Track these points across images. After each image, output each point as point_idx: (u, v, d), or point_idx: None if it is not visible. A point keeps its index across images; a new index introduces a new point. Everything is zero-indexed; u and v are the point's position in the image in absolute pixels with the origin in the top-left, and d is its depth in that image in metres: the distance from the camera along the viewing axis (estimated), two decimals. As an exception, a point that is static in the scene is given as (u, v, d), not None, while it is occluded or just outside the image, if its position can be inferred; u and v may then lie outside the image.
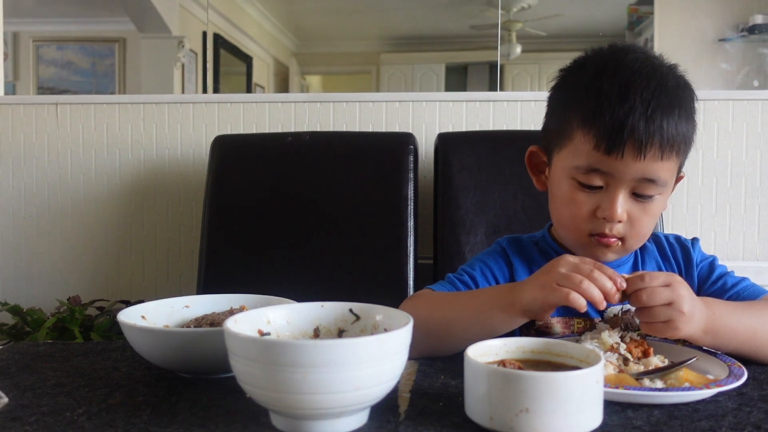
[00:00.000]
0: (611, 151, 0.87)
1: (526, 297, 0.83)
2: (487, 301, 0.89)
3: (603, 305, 0.79)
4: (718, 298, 0.94)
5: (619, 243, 0.93)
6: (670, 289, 0.79)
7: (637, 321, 0.84)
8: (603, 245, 0.93)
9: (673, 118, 0.88)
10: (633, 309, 0.96)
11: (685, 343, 0.95)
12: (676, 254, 1.04)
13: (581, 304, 0.78)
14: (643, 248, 1.04)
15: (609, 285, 0.79)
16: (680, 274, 1.02)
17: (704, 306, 0.83)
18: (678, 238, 1.07)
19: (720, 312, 0.85)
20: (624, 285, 0.80)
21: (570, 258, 0.82)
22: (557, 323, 0.97)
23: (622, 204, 0.90)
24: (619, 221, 0.90)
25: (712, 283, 1.01)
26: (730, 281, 1.00)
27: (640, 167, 0.87)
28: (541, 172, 1.03)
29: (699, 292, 1.00)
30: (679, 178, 0.99)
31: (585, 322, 0.97)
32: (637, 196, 0.91)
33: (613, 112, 0.87)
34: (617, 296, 0.79)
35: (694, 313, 0.80)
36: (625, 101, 0.87)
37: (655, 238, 1.06)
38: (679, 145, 0.89)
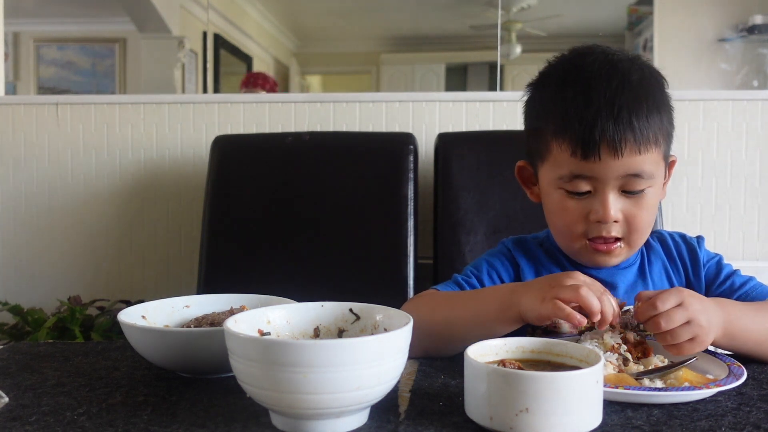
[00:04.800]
0: (587, 155, 0.88)
1: (524, 305, 0.83)
2: (486, 302, 0.89)
3: (602, 324, 0.79)
4: (727, 299, 0.94)
5: (621, 245, 0.93)
6: (684, 307, 0.78)
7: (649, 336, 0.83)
8: (603, 252, 0.93)
9: (642, 112, 0.88)
10: (632, 309, 0.97)
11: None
12: (682, 253, 1.04)
13: (579, 321, 0.78)
14: (648, 248, 1.03)
15: (610, 309, 0.79)
16: (686, 273, 1.02)
17: (719, 308, 0.83)
18: (683, 237, 1.06)
19: (735, 314, 0.85)
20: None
21: (581, 276, 0.82)
22: (565, 322, 0.97)
23: (614, 203, 0.90)
24: (615, 221, 0.90)
25: (720, 283, 1.01)
26: (738, 281, 1.00)
27: (621, 165, 0.88)
28: (534, 184, 1.03)
29: (707, 292, 1.00)
30: (671, 163, 0.99)
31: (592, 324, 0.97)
32: (627, 193, 0.91)
33: (581, 118, 0.88)
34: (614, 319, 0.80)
35: (712, 322, 0.80)
36: (590, 105, 0.88)
37: (660, 236, 1.06)
38: (655, 136, 0.89)
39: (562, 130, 0.90)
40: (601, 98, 0.88)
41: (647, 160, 0.89)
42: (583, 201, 0.91)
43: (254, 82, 4.24)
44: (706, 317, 0.79)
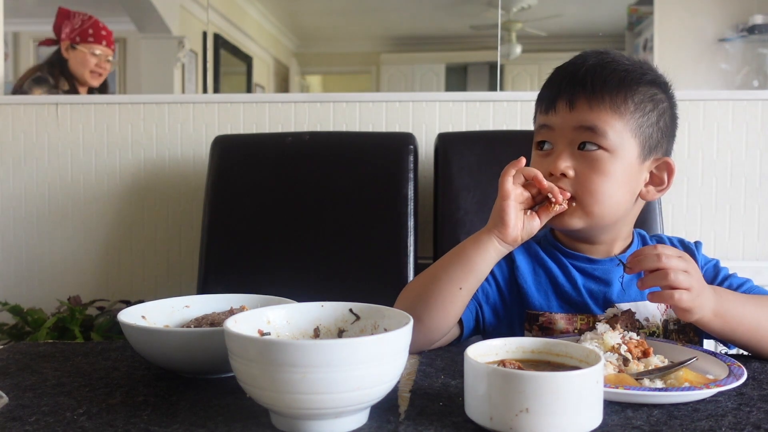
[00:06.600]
0: (548, 108, 0.97)
1: (492, 216, 0.93)
2: (463, 243, 0.96)
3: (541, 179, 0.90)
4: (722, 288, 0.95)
5: (574, 204, 0.94)
6: (658, 255, 0.84)
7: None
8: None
9: (604, 74, 0.94)
10: (631, 309, 0.97)
11: (685, 342, 0.95)
12: None
13: (530, 171, 0.90)
14: None
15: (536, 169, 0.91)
16: None
17: (712, 290, 0.86)
18: (681, 241, 1.08)
19: (727, 298, 0.88)
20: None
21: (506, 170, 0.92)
22: (560, 319, 0.98)
23: (566, 158, 0.94)
24: (563, 174, 0.94)
25: (718, 285, 1.01)
26: (735, 283, 1.02)
27: (573, 117, 0.94)
28: None
29: None
30: (668, 168, 0.98)
31: (588, 319, 0.97)
32: (582, 149, 0.94)
33: (551, 81, 1.00)
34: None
35: (693, 277, 0.83)
36: (564, 74, 0.98)
37: (658, 239, 1.08)
38: (613, 103, 0.93)
39: (539, 95, 1.01)
40: (578, 71, 0.96)
41: (600, 118, 0.93)
42: (547, 159, 0.96)
43: (83, 33, 2.40)
44: (684, 266, 0.84)
